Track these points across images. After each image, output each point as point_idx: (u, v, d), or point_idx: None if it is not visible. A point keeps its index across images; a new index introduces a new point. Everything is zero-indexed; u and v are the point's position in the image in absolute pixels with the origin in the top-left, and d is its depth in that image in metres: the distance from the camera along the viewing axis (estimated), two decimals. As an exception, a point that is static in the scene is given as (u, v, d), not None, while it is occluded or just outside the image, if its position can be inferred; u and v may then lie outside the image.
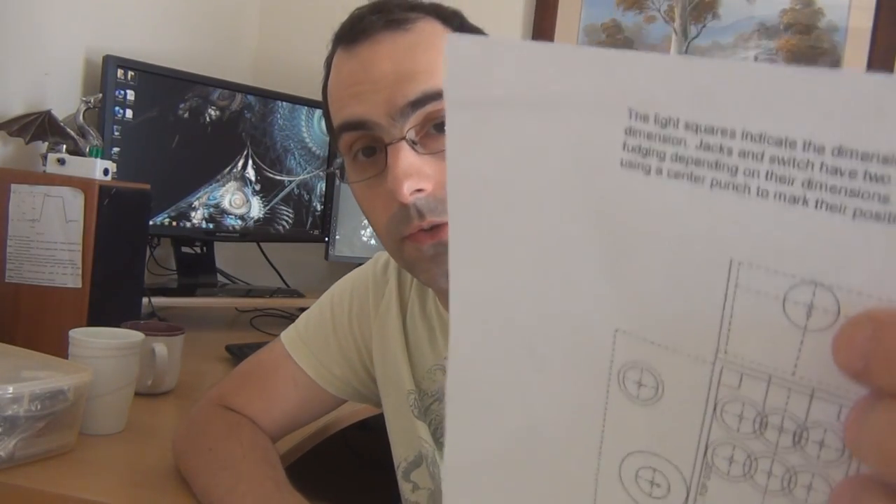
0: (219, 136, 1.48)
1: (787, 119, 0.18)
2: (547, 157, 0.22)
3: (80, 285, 0.99)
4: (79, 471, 0.72)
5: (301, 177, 1.63)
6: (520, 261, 0.23)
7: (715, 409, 0.21)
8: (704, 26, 1.65)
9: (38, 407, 0.70)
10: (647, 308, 0.21)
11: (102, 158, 1.07)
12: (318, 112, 1.61)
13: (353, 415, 1.02)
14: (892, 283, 0.18)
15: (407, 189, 0.56)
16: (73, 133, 1.15)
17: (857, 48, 1.58)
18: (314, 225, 1.67)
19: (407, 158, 0.57)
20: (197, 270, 1.55)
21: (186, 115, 1.42)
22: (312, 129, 1.64)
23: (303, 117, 1.62)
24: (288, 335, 0.80)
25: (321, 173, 1.66)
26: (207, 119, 1.46)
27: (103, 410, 0.81)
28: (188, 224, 1.45)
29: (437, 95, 0.57)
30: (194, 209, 1.45)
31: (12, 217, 1.02)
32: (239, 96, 1.51)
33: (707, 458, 0.21)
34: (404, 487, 0.76)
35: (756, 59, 1.62)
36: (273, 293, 1.60)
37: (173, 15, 1.59)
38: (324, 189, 1.67)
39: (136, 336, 0.86)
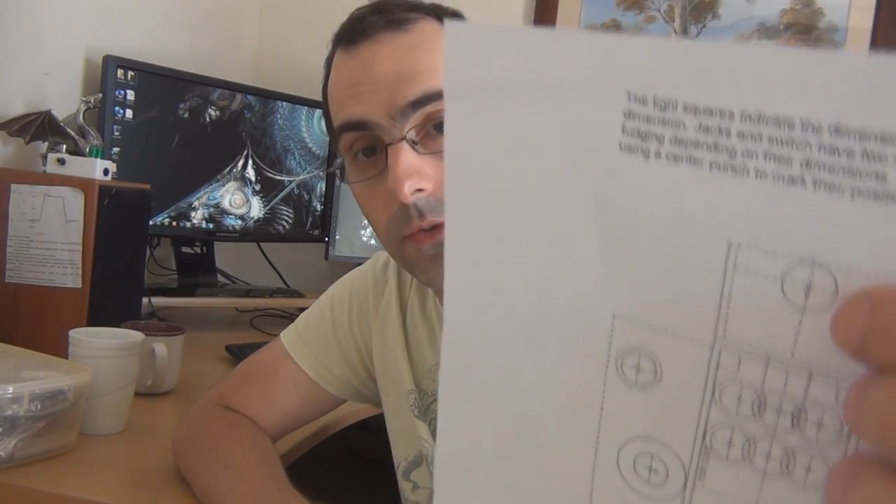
0: (219, 136, 1.48)
1: (784, 99, 0.18)
2: (546, 142, 0.22)
3: (80, 285, 0.99)
4: (79, 471, 0.72)
5: (301, 177, 1.63)
6: (517, 247, 0.23)
7: (714, 391, 0.21)
8: (704, 26, 1.65)
9: (38, 407, 0.70)
10: (646, 291, 0.21)
11: (102, 158, 1.07)
12: (318, 112, 1.61)
13: (353, 415, 1.02)
14: (890, 261, 0.18)
15: (407, 189, 0.56)
16: (73, 133, 1.15)
17: (857, 48, 1.58)
18: (314, 225, 1.67)
19: (407, 158, 0.57)
20: (197, 270, 1.55)
21: (186, 115, 1.42)
22: (312, 129, 1.64)
23: (303, 117, 1.62)
24: (288, 335, 0.80)
25: (321, 173, 1.66)
26: (207, 119, 1.46)
27: (103, 410, 0.81)
28: (188, 224, 1.45)
29: (437, 96, 0.57)
30: (194, 209, 1.45)
31: (12, 217, 1.02)
32: (239, 96, 1.51)
33: (706, 442, 0.21)
34: (404, 487, 0.76)
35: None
36: (273, 293, 1.60)
37: (173, 15, 1.59)
38: (324, 189, 1.67)
39: (136, 336, 0.86)
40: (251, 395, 0.78)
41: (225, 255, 1.69)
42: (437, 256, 0.59)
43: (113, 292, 1.03)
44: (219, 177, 1.49)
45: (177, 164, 1.42)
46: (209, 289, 1.54)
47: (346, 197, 1.62)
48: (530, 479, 0.25)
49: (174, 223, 1.42)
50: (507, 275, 0.23)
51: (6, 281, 1.02)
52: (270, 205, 1.59)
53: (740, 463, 0.21)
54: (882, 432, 0.18)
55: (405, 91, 0.57)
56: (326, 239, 1.66)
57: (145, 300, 1.21)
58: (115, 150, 1.30)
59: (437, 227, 0.58)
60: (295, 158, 1.62)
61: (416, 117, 0.58)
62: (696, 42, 0.19)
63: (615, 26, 1.69)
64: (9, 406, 0.68)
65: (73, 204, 0.99)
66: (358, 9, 0.63)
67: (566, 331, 0.23)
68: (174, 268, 1.55)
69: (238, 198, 1.53)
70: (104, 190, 1.01)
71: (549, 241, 0.22)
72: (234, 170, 1.52)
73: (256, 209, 1.56)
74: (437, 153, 0.58)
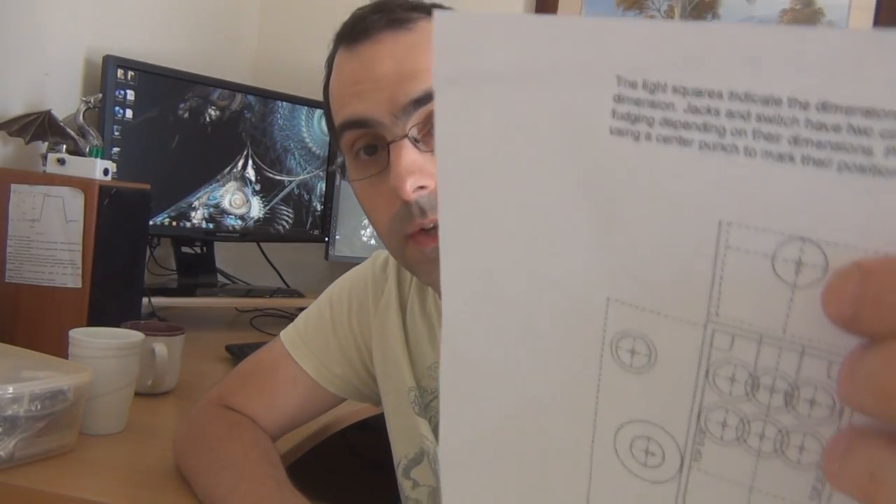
0: (219, 136, 1.48)
1: (772, 77, 0.18)
2: (536, 128, 0.22)
3: (80, 285, 0.99)
4: (79, 471, 0.72)
5: (301, 177, 1.63)
6: (511, 235, 0.23)
7: (707, 373, 0.21)
8: (704, 26, 1.65)
9: (38, 407, 0.70)
10: (639, 274, 0.21)
11: (102, 158, 1.07)
12: (318, 112, 1.61)
13: (353, 415, 1.02)
14: (878, 235, 0.18)
15: (409, 186, 0.56)
16: (73, 133, 1.15)
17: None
18: (314, 225, 1.67)
19: (409, 156, 0.57)
20: (197, 270, 1.55)
21: (186, 115, 1.42)
22: (312, 129, 1.64)
23: (303, 117, 1.62)
24: (287, 334, 0.81)
25: (321, 173, 1.67)
26: (207, 119, 1.46)
27: (103, 410, 0.81)
28: (188, 224, 1.45)
29: None
30: (194, 209, 1.45)
31: (12, 217, 1.02)
32: (239, 96, 1.51)
33: (700, 424, 0.21)
34: (404, 485, 0.76)
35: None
36: (273, 293, 1.60)
37: (173, 15, 1.59)
38: (324, 189, 1.67)
39: (136, 336, 0.86)
40: (251, 395, 0.78)
41: (225, 255, 1.69)
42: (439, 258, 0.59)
43: (113, 292, 1.02)
44: (219, 177, 1.49)
45: (177, 164, 1.42)
46: (209, 289, 1.54)
47: (346, 197, 1.62)
48: (531, 467, 0.25)
49: (174, 223, 1.42)
50: (501, 263, 0.23)
51: (6, 281, 1.02)
52: (270, 205, 1.59)
53: (735, 444, 0.21)
54: (878, 398, 0.18)
55: (407, 89, 0.57)
56: (326, 239, 1.66)
57: (145, 300, 1.21)
58: (115, 150, 1.30)
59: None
60: (295, 158, 1.62)
61: (418, 115, 0.58)
62: (684, 24, 0.20)
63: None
64: (9, 406, 0.67)
65: (73, 204, 0.99)
66: (359, 8, 0.63)
67: (561, 317, 0.23)
68: (174, 268, 1.55)
69: (238, 198, 1.53)
70: (104, 190, 1.01)
71: (542, 228, 0.22)
72: (234, 170, 1.52)
73: (256, 209, 1.56)
74: None
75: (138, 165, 1.33)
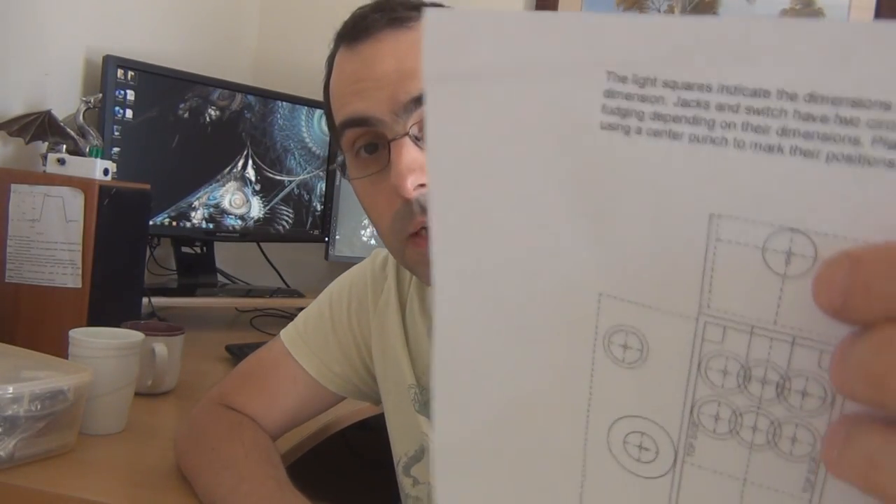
0: (219, 136, 1.48)
1: (761, 69, 0.19)
2: (527, 125, 0.22)
3: (80, 285, 0.99)
4: (79, 471, 0.72)
5: (301, 177, 1.63)
6: (502, 232, 0.23)
7: (700, 366, 0.21)
8: (704, 26, 1.65)
9: (38, 407, 0.70)
10: (631, 269, 0.21)
11: (102, 158, 1.07)
12: (319, 112, 1.61)
13: (354, 415, 1.02)
14: (867, 224, 0.18)
15: (410, 184, 0.56)
16: (73, 133, 1.15)
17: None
18: (314, 225, 1.67)
19: (410, 154, 0.57)
20: (197, 270, 1.55)
21: (186, 115, 1.42)
22: (312, 129, 1.64)
23: (303, 117, 1.62)
24: (287, 333, 0.81)
25: (321, 173, 1.66)
26: (207, 119, 1.46)
27: (103, 410, 0.81)
28: (188, 224, 1.45)
29: None
30: (194, 209, 1.45)
31: (12, 217, 1.01)
32: (239, 96, 1.51)
33: (693, 417, 0.21)
34: (404, 482, 0.76)
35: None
36: (273, 293, 1.60)
37: (173, 15, 1.59)
38: (324, 189, 1.67)
39: (136, 336, 0.86)
40: (252, 394, 0.78)
41: (225, 255, 1.69)
42: None
43: (113, 292, 1.02)
44: (219, 177, 1.49)
45: (177, 164, 1.42)
46: (209, 289, 1.54)
47: (346, 197, 1.62)
48: (524, 464, 0.25)
49: (174, 223, 1.42)
50: (492, 260, 0.23)
51: (6, 281, 1.02)
52: (270, 205, 1.59)
53: (727, 437, 0.21)
54: (870, 384, 0.18)
55: (408, 88, 0.57)
56: (326, 239, 1.66)
57: (145, 300, 1.21)
58: (115, 150, 1.30)
59: None
60: (295, 158, 1.62)
61: (419, 113, 0.58)
62: (673, 18, 0.20)
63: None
64: (9, 406, 0.67)
65: (73, 204, 0.99)
66: (360, 7, 0.63)
67: (553, 313, 0.23)
68: (174, 268, 1.54)
69: (238, 198, 1.53)
70: (104, 190, 1.01)
71: (533, 224, 0.22)
72: (234, 170, 1.52)
73: (256, 209, 1.56)
74: None
75: (138, 165, 1.33)
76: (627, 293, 0.22)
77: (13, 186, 1.01)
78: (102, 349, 0.82)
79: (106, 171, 1.05)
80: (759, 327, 0.20)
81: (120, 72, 1.30)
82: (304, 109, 1.62)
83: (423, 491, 0.74)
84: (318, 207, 1.67)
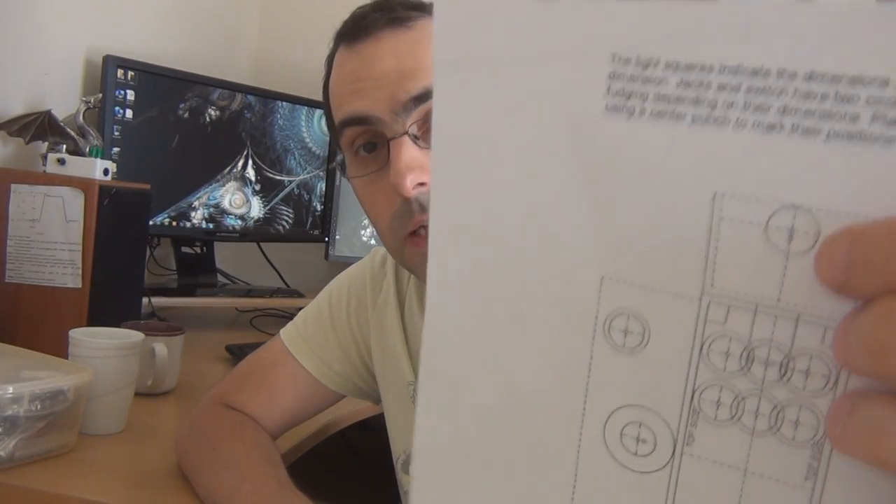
0: (219, 136, 1.48)
1: (761, 49, 0.19)
2: (532, 109, 0.22)
3: (80, 285, 0.99)
4: (79, 471, 0.72)
5: (301, 177, 1.63)
6: (503, 219, 0.23)
7: (702, 348, 0.21)
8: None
9: (38, 407, 0.70)
10: (634, 250, 0.21)
11: (102, 158, 1.07)
12: (319, 112, 1.61)
13: (354, 415, 1.02)
14: (869, 200, 0.18)
15: (410, 182, 0.57)
16: (73, 133, 1.15)
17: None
18: (314, 225, 1.67)
19: (409, 152, 0.57)
20: (197, 270, 1.55)
21: (186, 115, 1.42)
22: (312, 129, 1.64)
23: (303, 117, 1.62)
24: (287, 332, 0.81)
25: (321, 173, 1.66)
26: (207, 119, 1.46)
27: (103, 410, 0.81)
28: (188, 224, 1.45)
29: None
30: (194, 209, 1.45)
31: (12, 217, 1.01)
32: (239, 96, 1.51)
33: (694, 404, 0.21)
34: (404, 480, 0.76)
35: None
36: (273, 293, 1.60)
37: (173, 15, 1.59)
38: (324, 189, 1.67)
39: (136, 336, 0.86)
40: (252, 394, 0.78)
41: (225, 255, 1.69)
42: None
43: (113, 292, 1.02)
44: (219, 177, 1.49)
45: (177, 164, 1.42)
46: (209, 289, 1.54)
47: (346, 197, 1.62)
48: (513, 464, 0.25)
49: (174, 223, 1.42)
50: (491, 248, 0.23)
51: (6, 281, 1.02)
52: (270, 205, 1.59)
53: (728, 423, 0.21)
54: (872, 356, 0.18)
55: (407, 87, 0.58)
56: (326, 239, 1.66)
57: (145, 300, 1.21)
58: (115, 150, 1.30)
59: None
60: (295, 158, 1.62)
61: (418, 112, 0.58)
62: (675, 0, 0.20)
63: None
64: (9, 406, 0.67)
65: (73, 204, 0.99)
66: (360, 7, 0.63)
67: (552, 300, 0.23)
68: (174, 268, 1.55)
69: (238, 198, 1.53)
70: (104, 190, 1.01)
71: (536, 210, 0.22)
72: (234, 170, 1.52)
73: (256, 209, 1.56)
74: None
75: (138, 165, 1.33)
76: (630, 275, 0.22)
77: (13, 186, 1.01)
78: (102, 349, 0.82)
79: (106, 171, 1.05)
80: (762, 305, 0.20)
81: (120, 72, 1.30)
82: (304, 109, 1.62)
83: None
84: (318, 207, 1.67)
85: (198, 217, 1.46)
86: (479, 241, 0.24)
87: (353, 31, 0.61)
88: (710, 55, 0.19)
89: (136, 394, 0.86)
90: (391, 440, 0.78)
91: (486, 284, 0.24)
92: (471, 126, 0.23)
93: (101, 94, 1.25)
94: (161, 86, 1.37)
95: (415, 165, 0.57)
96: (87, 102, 1.18)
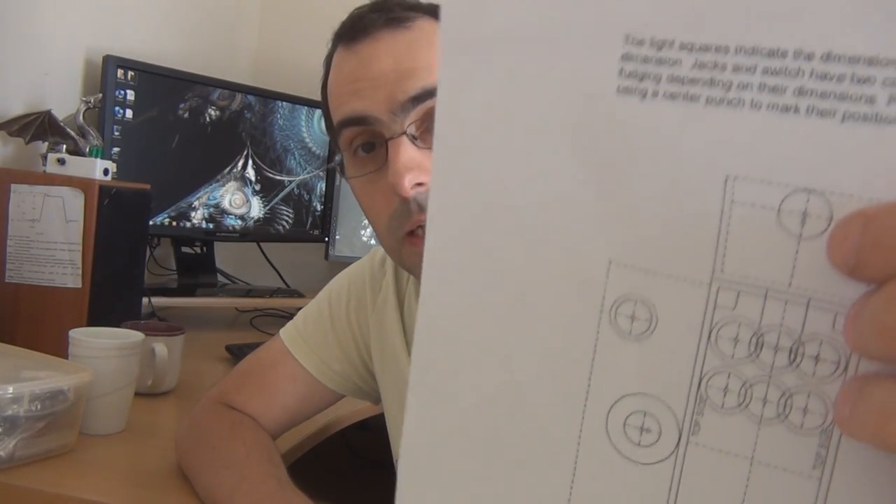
0: (219, 136, 1.48)
1: (778, 30, 0.19)
2: (542, 90, 0.22)
3: (80, 285, 0.99)
4: (79, 471, 0.72)
5: (301, 177, 1.63)
6: (508, 202, 0.23)
7: (710, 334, 0.21)
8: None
9: (38, 407, 0.70)
10: (644, 234, 0.21)
11: (102, 158, 1.07)
12: (319, 112, 1.61)
13: (354, 415, 1.02)
14: (882, 183, 0.18)
15: (408, 182, 0.57)
16: (73, 133, 1.15)
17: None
18: (314, 225, 1.67)
19: (407, 152, 0.57)
20: (197, 270, 1.55)
21: (186, 115, 1.42)
22: (312, 129, 1.64)
23: (303, 117, 1.62)
24: (287, 332, 0.81)
25: (321, 173, 1.66)
26: (207, 119, 1.46)
27: (103, 410, 0.81)
28: (188, 224, 1.45)
29: (436, 91, 0.58)
30: (194, 209, 1.45)
31: (12, 217, 1.02)
32: (239, 96, 1.51)
33: (700, 392, 0.21)
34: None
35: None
36: (273, 293, 1.60)
37: (173, 15, 1.59)
38: (324, 189, 1.67)
39: (136, 336, 0.86)
40: (252, 393, 0.78)
41: (225, 255, 1.69)
42: None
43: (113, 292, 1.02)
44: (219, 177, 1.49)
45: (177, 164, 1.42)
46: (209, 289, 1.54)
47: (346, 197, 1.62)
48: (506, 459, 0.24)
49: (174, 223, 1.42)
50: (495, 232, 0.23)
51: (6, 281, 1.02)
52: (270, 205, 1.59)
53: (736, 411, 0.21)
54: (882, 338, 0.18)
55: (405, 87, 0.58)
56: (326, 239, 1.66)
57: (145, 300, 1.21)
58: (115, 150, 1.30)
59: None
60: (295, 158, 1.62)
61: (416, 112, 0.58)
62: None
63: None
64: (9, 406, 0.67)
65: (73, 204, 0.99)
66: (358, 7, 0.63)
67: (558, 285, 0.22)
68: (174, 268, 1.55)
69: (238, 198, 1.53)
70: (104, 190, 1.01)
71: (543, 192, 0.22)
72: (234, 170, 1.52)
73: (256, 209, 1.56)
74: None
75: (138, 165, 1.33)
76: (639, 260, 0.21)
77: (13, 186, 1.01)
78: (102, 349, 0.82)
79: (106, 171, 1.05)
80: (773, 290, 0.20)
81: (120, 72, 1.30)
82: (304, 109, 1.62)
83: None
84: (318, 207, 1.67)
85: (198, 217, 1.46)
86: (482, 222, 0.23)
87: (352, 32, 0.62)
88: (726, 36, 0.19)
89: (136, 394, 0.86)
90: (391, 440, 0.78)
91: (487, 265, 0.23)
92: (478, 106, 0.23)
93: (101, 94, 1.25)
94: (161, 86, 1.37)
95: (413, 165, 0.57)
96: (87, 102, 1.18)
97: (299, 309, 0.85)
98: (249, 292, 1.59)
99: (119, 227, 1.03)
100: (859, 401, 0.18)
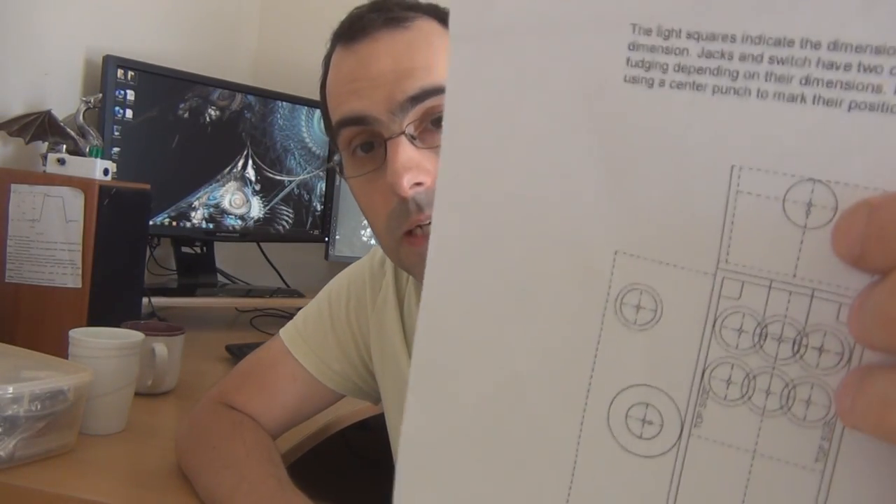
0: (219, 136, 1.48)
1: (785, 18, 0.19)
2: (550, 80, 0.22)
3: (80, 285, 0.99)
4: (79, 471, 0.72)
5: (301, 177, 1.63)
6: (514, 193, 0.23)
7: (714, 325, 0.21)
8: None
9: (38, 407, 0.70)
10: (650, 224, 0.21)
11: (102, 158, 1.07)
12: (318, 112, 1.60)
13: (354, 415, 1.02)
14: (887, 173, 0.18)
15: (406, 182, 0.57)
16: (73, 133, 1.15)
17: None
18: (314, 225, 1.67)
19: (406, 152, 0.57)
20: (197, 270, 1.55)
21: (186, 115, 1.42)
22: (312, 129, 1.64)
23: (303, 117, 1.62)
24: (287, 332, 0.81)
25: (321, 173, 1.67)
26: (207, 119, 1.46)
27: (103, 410, 0.81)
28: (188, 224, 1.45)
29: (435, 91, 0.58)
30: (194, 209, 1.45)
31: (12, 217, 1.02)
32: (239, 96, 1.51)
33: (704, 383, 0.21)
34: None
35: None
36: (273, 293, 1.60)
37: (173, 15, 1.59)
38: (324, 189, 1.67)
39: (136, 336, 0.86)
40: (252, 393, 0.78)
41: (225, 255, 1.69)
42: None
43: (113, 292, 1.02)
44: (219, 177, 1.49)
45: (177, 164, 1.42)
46: (209, 289, 1.54)
47: (346, 197, 1.62)
48: (505, 452, 0.24)
49: (174, 223, 1.42)
50: (500, 224, 0.23)
51: (6, 281, 1.02)
52: (270, 205, 1.59)
53: (739, 403, 0.21)
54: (886, 329, 0.18)
55: (404, 87, 0.58)
56: (326, 239, 1.66)
57: (145, 300, 1.21)
58: (115, 150, 1.30)
59: None
60: (295, 158, 1.62)
61: (415, 112, 0.58)
62: None
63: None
64: (9, 406, 0.67)
65: (73, 204, 0.99)
66: (357, 7, 0.63)
67: (563, 276, 0.22)
68: (174, 268, 1.55)
69: (238, 198, 1.53)
70: (104, 190, 1.01)
71: (549, 183, 0.22)
72: (234, 170, 1.52)
73: (256, 209, 1.56)
74: (436, 148, 0.59)
75: (138, 165, 1.33)
76: (645, 250, 0.21)
77: (13, 186, 1.01)
78: (102, 349, 0.82)
79: (106, 171, 1.05)
80: (777, 280, 0.20)
81: (120, 72, 1.30)
82: (304, 109, 1.62)
83: None
84: (318, 207, 1.67)
85: (198, 217, 1.46)
86: (486, 212, 0.23)
87: (350, 32, 0.62)
88: (733, 25, 0.19)
89: (136, 394, 0.86)
90: (392, 439, 0.78)
91: (492, 257, 0.23)
92: (485, 96, 0.23)
93: (101, 94, 1.25)
94: (161, 86, 1.37)
95: (412, 165, 0.57)
96: (87, 102, 1.18)
97: (299, 309, 0.85)
98: (249, 292, 1.59)
99: (119, 227, 1.03)
100: (860, 391, 0.18)
